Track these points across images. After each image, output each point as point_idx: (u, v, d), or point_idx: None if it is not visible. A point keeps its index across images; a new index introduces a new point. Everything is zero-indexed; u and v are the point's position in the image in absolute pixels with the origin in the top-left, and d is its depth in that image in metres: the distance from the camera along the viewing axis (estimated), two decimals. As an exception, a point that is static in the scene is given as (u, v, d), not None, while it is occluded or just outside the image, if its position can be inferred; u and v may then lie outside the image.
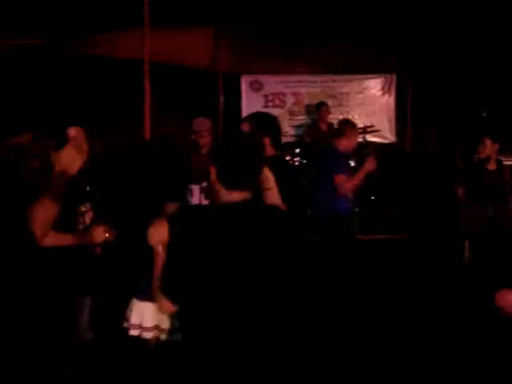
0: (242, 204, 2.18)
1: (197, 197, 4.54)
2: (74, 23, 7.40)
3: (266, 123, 3.46)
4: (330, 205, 5.06)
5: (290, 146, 8.57)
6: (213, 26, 8.44)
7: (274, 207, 2.47)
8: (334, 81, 9.59)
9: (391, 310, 4.91)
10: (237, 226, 2.12)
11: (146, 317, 3.43)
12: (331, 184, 5.03)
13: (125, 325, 3.47)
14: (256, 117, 3.53)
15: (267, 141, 3.35)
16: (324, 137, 8.52)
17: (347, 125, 5.42)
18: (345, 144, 5.23)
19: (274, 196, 2.73)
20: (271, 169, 2.73)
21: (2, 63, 7.04)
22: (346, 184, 5.05)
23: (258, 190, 2.52)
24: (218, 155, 2.24)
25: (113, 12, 7.16)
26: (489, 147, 5.84)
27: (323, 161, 5.37)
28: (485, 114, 9.01)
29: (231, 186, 2.18)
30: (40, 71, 7.11)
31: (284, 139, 9.40)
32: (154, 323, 3.43)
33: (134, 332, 3.45)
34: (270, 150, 3.33)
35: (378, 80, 9.75)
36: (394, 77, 9.71)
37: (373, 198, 8.09)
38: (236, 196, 2.18)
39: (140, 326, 3.44)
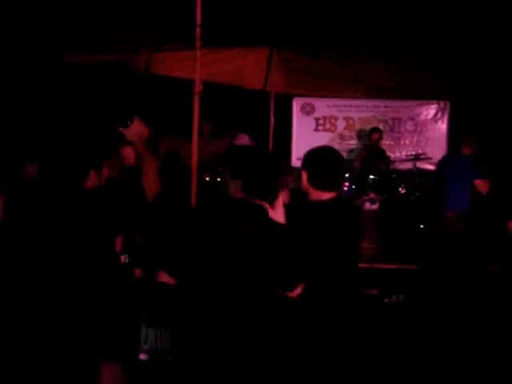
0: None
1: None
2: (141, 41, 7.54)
3: None
4: None
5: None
6: (268, 47, 8.48)
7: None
8: (386, 106, 9.51)
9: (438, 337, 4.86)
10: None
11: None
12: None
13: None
14: None
15: None
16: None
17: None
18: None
19: None
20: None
21: (71, 79, 7.25)
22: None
23: None
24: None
25: (172, 32, 7.29)
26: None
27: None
28: None
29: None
30: (107, 87, 7.29)
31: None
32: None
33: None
34: None
35: (432, 106, 9.59)
36: (448, 103, 9.55)
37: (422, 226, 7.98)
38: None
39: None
